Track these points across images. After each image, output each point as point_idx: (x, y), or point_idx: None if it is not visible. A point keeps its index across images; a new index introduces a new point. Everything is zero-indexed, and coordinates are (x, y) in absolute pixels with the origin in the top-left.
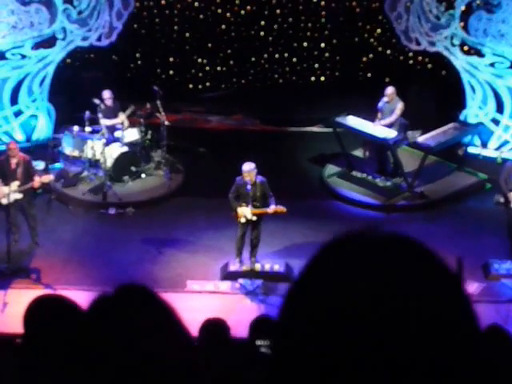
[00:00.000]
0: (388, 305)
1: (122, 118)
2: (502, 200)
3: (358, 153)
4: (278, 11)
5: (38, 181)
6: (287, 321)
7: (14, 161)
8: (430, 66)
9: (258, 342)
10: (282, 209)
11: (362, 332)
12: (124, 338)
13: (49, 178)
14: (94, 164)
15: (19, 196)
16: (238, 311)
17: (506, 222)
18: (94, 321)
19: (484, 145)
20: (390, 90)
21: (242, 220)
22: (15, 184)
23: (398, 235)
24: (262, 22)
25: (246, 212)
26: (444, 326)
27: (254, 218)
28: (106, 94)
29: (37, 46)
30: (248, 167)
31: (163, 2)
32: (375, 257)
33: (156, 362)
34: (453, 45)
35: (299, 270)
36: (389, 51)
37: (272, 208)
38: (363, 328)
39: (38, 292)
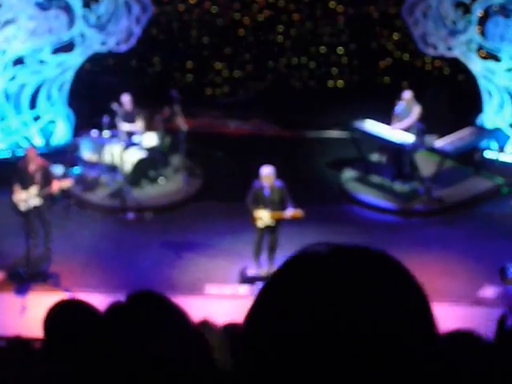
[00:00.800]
0: (345, 310)
1: (140, 123)
2: None
3: (376, 157)
4: (295, 16)
5: (56, 186)
6: (253, 329)
7: (32, 166)
8: (447, 70)
9: None
10: (299, 213)
11: (324, 339)
12: (136, 343)
13: (68, 183)
14: (113, 169)
15: (38, 202)
16: None
17: None
18: (108, 327)
19: (501, 149)
20: (406, 94)
21: (260, 224)
22: (33, 189)
23: (359, 246)
24: (280, 27)
25: (263, 216)
26: (398, 330)
27: (272, 223)
28: (126, 98)
29: (56, 51)
30: (266, 171)
31: (181, 8)
32: (333, 268)
33: (169, 366)
34: (470, 50)
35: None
36: (406, 56)
37: (289, 212)
38: (323, 335)
39: (57, 296)
